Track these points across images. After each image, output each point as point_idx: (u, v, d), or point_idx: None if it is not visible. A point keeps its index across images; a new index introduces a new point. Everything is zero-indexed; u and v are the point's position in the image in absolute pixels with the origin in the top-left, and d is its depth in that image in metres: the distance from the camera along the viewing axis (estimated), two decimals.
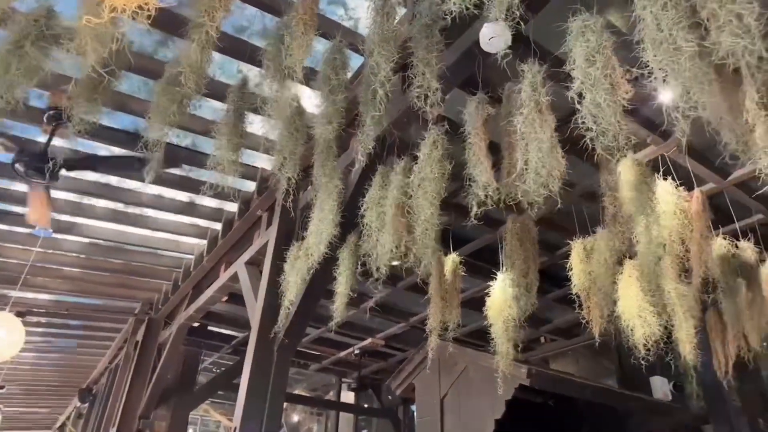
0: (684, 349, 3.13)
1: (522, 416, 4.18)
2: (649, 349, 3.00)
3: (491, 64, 2.37)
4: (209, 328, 6.80)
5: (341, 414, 8.57)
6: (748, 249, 3.09)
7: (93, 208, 4.92)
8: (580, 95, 1.96)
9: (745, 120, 1.93)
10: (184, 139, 4.29)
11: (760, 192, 3.50)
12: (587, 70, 1.92)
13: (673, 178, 2.82)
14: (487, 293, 3.22)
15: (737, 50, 1.49)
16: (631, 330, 3.05)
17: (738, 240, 3.14)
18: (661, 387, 4.19)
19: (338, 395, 8.72)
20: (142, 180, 3.45)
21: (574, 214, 3.67)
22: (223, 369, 8.06)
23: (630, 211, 2.73)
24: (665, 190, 2.75)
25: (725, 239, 3.09)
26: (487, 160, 2.25)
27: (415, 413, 4.22)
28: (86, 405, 9.22)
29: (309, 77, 2.72)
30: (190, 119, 3.81)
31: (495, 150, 2.49)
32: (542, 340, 5.82)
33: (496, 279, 3.26)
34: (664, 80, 1.72)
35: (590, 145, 1.97)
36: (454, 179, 2.62)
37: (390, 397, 7.45)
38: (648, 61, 1.70)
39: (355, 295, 5.21)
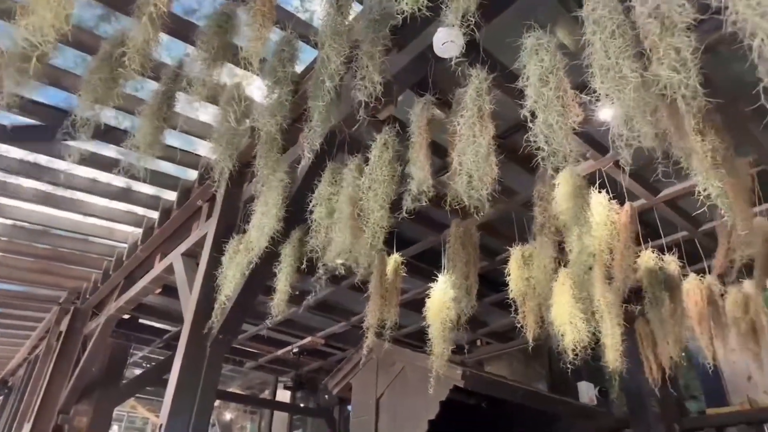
0: (610, 355, 3.28)
1: (455, 417, 4.26)
2: (577, 354, 3.12)
3: (444, 69, 2.40)
4: (140, 320, 6.51)
5: (276, 413, 8.43)
6: (672, 263, 3.28)
7: (19, 188, 4.59)
8: (533, 114, 2.02)
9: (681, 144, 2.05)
10: (123, 121, 4.08)
11: (695, 209, 3.73)
12: (541, 89, 1.97)
13: (607, 192, 2.95)
14: (428, 295, 3.26)
15: (674, 83, 1.57)
16: (562, 335, 3.17)
17: (664, 254, 3.33)
18: (587, 392, 4.38)
19: (274, 394, 8.57)
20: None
21: (515, 221, 3.77)
22: (153, 364, 7.74)
23: (565, 221, 2.83)
24: (598, 202, 2.87)
25: (653, 252, 3.26)
26: (425, 158, 2.28)
27: (350, 413, 4.20)
28: (0, 398, 8.61)
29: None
30: (131, 101, 3.63)
31: (443, 153, 2.52)
32: (479, 342, 5.95)
33: (437, 281, 3.30)
34: (611, 104, 1.79)
35: (534, 157, 2.03)
36: (402, 181, 2.63)
37: (327, 396, 7.40)
38: (594, 86, 1.77)
39: (296, 293, 5.15)
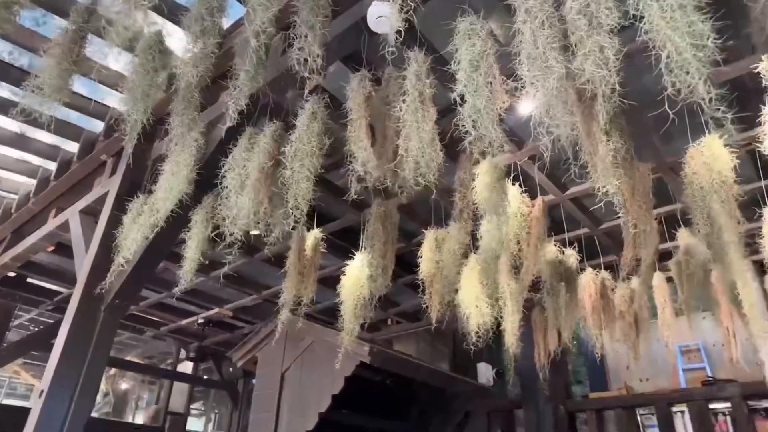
0: (509, 339, 3.46)
1: (359, 393, 4.32)
2: (480, 337, 3.27)
3: (376, 44, 2.36)
4: (29, 279, 5.96)
5: (176, 384, 8.13)
6: (572, 257, 3.50)
7: None
8: (462, 97, 2.04)
9: (589, 141, 2.17)
10: (20, 58, 3.65)
11: (593, 208, 3.99)
12: (471, 74, 1.99)
13: (520, 185, 3.08)
14: (343, 272, 3.25)
15: (596, 79, 1.64)
16: (467, 318, 3.30)
17: (566, 248, 3.54)
18: (485, 373, 4.62)
19: (175, 364, 8.25)
20: None
21: (432, 206, 3.84)
22: (41, 327, 7.16)
23: (482, 209, 2.92)
24: (512, 194, 2.99)
25: (555, 246, 3.46)
26: (367, 138, 2.24)
27: (254, 386, 4.14)
28: None
29: (178, 13, 2.46)
30: (31, 36, 3.25)
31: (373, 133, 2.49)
32: (389, 321, 6.07)
33: (353, 258, 3.30)
34: (535, 94, 1.84)
35: (457, 143, 2.06)
36: (328, 155, 2.57)
37: (231, 369, 7.25)
38: (521, 74, 1.81)
39: (206, 262, 4.95)
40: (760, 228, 2.85)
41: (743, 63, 2.40)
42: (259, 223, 2.62)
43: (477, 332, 3.29)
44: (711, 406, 5.96)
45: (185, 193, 2.57)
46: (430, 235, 3.35)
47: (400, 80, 2.19)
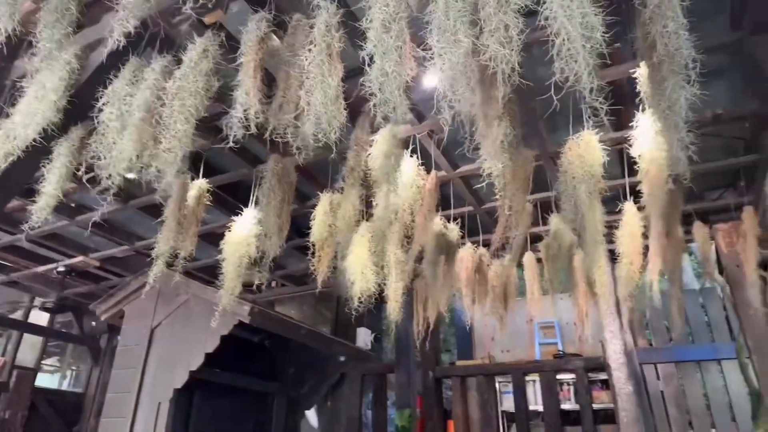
0: (390, 307, 3.57)
1: (236, 353, 4.23)
2: (362, 303, 3.33)
3: None
4: None
5: (27, 336, 7.34)
6: (454, 230, 3.68)
7: None
8: (371, 58, 1.99)
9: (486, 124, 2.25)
10: None
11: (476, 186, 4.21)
12: (382, 35, 1.95)
13: (417, 157, 3.15)
14: (229, 228, 3.11)
15: (498, 57, 1.69)
16: (352, 283, 3.34)
17: (449, 222, 3.71)
18: (364, 337, 4.75)
19: (27, 315, 7.43)
20: None
21: (330, 169, 3.80)
22: None
23: (377, 176, 2.94)
24: (409, 165, 3.04)
25: (441, 220, 3.61)
26: (255, 82, 2.11)
27: (119, 341, 3.86)
28: None
29: None
30: None
31: (270, 79, 2.36)
32: (273, 284, 5.98)
33: (241, 215, 3.16)
34: (441, 65, 1.86)
35: (361, 105, 2.03)
36: (219, 100, 2.40)
37: (94, 323, 6.70)
38: (430, 44, 1.81)
39: (72, 205, 4.46)
40: (619, 221, 3.21)
41: (623, 67, 2.63)
42: (143, 168, 2.40)
43: (360, 298, 3.36)
44: (558, 376, 6.69)
45: (51, 122, 2.26)
46: (325, 198, 3.31)
47: (309, 29, 2.09)
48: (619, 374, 4.33)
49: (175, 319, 3.62)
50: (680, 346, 5.47)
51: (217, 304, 3.16)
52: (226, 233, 3.07)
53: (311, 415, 4.77)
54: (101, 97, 2.29)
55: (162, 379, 3.40)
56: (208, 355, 3.39)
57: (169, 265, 3.12)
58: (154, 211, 3.38)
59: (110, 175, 2.30)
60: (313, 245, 3.24)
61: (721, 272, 4.24)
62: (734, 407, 5.11)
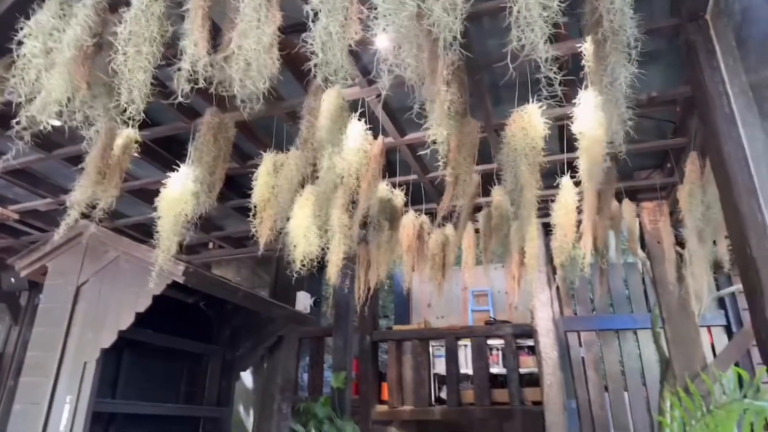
0: (331, 271, 3.57)
1: (170, 314, 4.11)
2: (304, 266, 3.31)
3: None
4: None
5: None
6: (399, 197, 3.70)
7: None
8: (315, 14, 1.92)
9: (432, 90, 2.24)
10: None
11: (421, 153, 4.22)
12: None
13: (365, 122, 3.11)
14: (164, 185, 2.96)
15: (442, 23, 1.67)
16: (295, 246, 3.30)
17: (395, 189, 3.72)
18: (304, 301, 4.74)
19: None
20: None
21: (275, 128, 3.69)
22: None
23: (322, 138, 2.88)
24: (356, 129, 3.00)
25: (387, 185, 3.61)
26: (203, 31, 1.99)
27: (41, 299, 3.64)
28: None
29: None
30: None
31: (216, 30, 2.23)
32: (210, 245, 5.81)
33: (177, 171, 3.02)
34: (384, 29, 1.82)
35: (308, 67, 1.96)
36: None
37: (13, 279, 6.27)
38: (376, 3, 1.76)
39: None
40: (555, 195, 3.33)
41: (569, 43, 2.69)
42: (76, 113, 2.23)
43: (302, 261, 3.33)
44: (489, 342, 7.00)
45: None
46: (268, 159, 3.22)
47: None
48: (546, 340, 4.59)
49: (103, 277, 3.45)
50: (602, 316, 5.86)
51: (150, 262, 3.04)
52: (162, 190, 2.93)
53: (247, 377, 4.75)
54: (23, 28, 2.08)
55: (88, 339, 3.25)
56: (138, 315, 3.26)
57: (85, 216, 2.94)
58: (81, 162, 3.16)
59: (33, 118, 2.12)
60: (254, 207, 3.16)
61: (643, 248, 4.54)
62: (645, 373, 5.56)
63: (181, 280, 3.20)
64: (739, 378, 1.38)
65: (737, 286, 5.17)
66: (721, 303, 5.54)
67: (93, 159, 2.76)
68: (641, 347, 5.57)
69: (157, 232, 2.97)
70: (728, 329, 5.35)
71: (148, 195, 3.84)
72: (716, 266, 5.31)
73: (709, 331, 5.41)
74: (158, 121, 3.84)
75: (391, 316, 10.44)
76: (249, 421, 4.50)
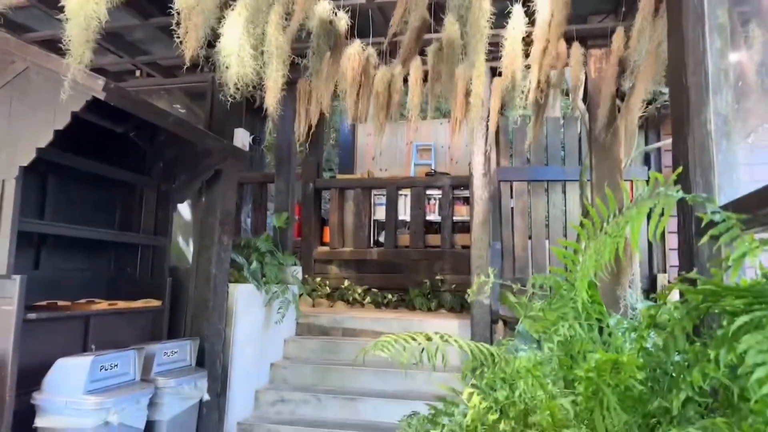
0: (269, 99, 3.39)
1: (100, 144, 3.88)
2: (238, 89, 3.11)
3: None
4: None
5: None
6: (343, 20, 3.43)
7: None
8: None
9: None
10: None
11: None
12: None
13: None
14: None
15: None
16: (227, 68, 3.07)
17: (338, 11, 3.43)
18: (242, 138, 4.59)
19: None
20: None
21: None
22: None
23: None
24: None
25: (329, 4, 3.31)
26: None
27: None
28: None
29: None
30: None
31: None
32: (138, 73, 5.36)
33: None
34: None
35: None
36: None
37: None
38: None
39: None
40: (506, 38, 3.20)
41: None
42: None
43: (236, 85, 3.12)
44: (428, 192, 7.24)
45: None
46: None
47: None
48: (478, 183, 4.76)
49: (11, 91, 3.12)
50: (535, 167, 6.10)
51: (64, 75, 2.76)
52: None
53: (184, 209, 4.72)
54: None
55: (3, 158, 3.03)
56: (58, 134, 3.04)
57: None
58: None
59: None
60: (179, 14, 2.84)
61: (585, 100, 4.58)
62: (568, 224, 6.00)
63: (101, 96, 2.94)
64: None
65: (664, 142, 5.46)
66: (646, 160, 5.88)
67: None
68: (567, 198, 5.93)
69: (69, 40, 2.66)
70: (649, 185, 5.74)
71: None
72: (647, 121, 5.52)
73: (632, 186, 5.81)
74: None
75: (336, 170, 10.49)
76: (189, 251, 4.58)
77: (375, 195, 7.36)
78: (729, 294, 1.27)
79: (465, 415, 1.80)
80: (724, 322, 1.25)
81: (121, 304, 3.65)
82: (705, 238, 1.38)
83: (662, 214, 1.37)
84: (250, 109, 4.82)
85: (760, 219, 1.57)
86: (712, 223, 1.40)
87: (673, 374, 1.49)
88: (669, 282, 5.58)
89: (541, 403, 1.54)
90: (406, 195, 7.31)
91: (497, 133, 5.71)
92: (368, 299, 6.33)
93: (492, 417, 1.69)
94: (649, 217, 1.56)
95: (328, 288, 6.47)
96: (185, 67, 3.92)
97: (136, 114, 3.26)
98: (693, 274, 1.46)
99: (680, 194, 1.36)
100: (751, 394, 1.13)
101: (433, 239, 6.72)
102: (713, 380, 1.32)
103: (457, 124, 4.00)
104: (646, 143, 5.67)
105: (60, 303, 3.32)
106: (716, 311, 1.38)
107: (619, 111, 4.31)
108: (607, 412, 1.40)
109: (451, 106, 4.12)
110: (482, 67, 3.21)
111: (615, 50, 3.51)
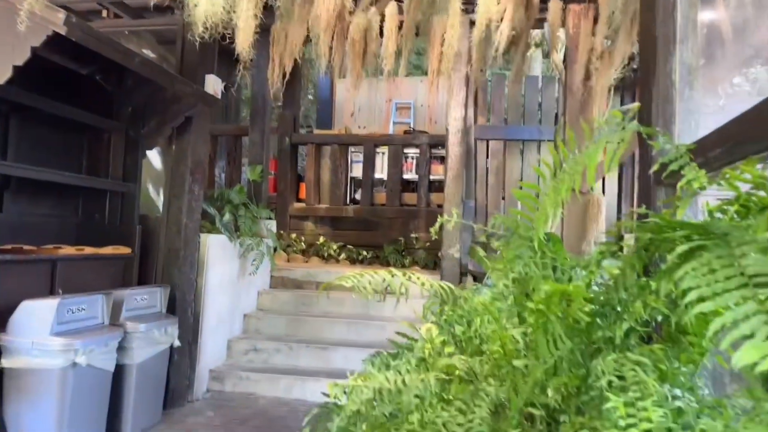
0: (241, 40, 3.31)
1: (65, 86, 3.74)
2: (207, 29, 3.02)
3: None
4: None
5: None
6: None
7: None
8: None
9: None
10: None
11: None
12: None
13: None
14: None
15: None
16: (195, 6, 2.97)
17: None
18: (214, 84, 4.48)
19: None
20: None
21: None
22: None
23: None
24: None
25: None
26: None
27: None
28: None
29: None
30: None
31: None
32: (104, 13, 5.13)
33: None
34: None
35: None
36: None
37: None
38: None
39: None
40: None
41: None
42: None
43: (204, 24, 3.03)
44: (405, 150, 7.22)
45: None
46: None
47: None
48: (454, 139, 4.76)
49: None
50: (511, 127, 6.12)
51: (21, 5, 2.64)
52: None
53: (154, 156, 4.64)
54: None
55: None
56: (22, 75, 2.92)
57: None
58: None
59: None
60: None
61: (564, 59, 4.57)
62: (541, 183, 6.06)
63: (62, 30, 2.82)
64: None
65: (638, 104, 5.50)
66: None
67: None
68: (542, 158, 5.98)
69: None
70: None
71: None
72: (623, 82, 5.54)
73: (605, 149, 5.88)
74: None
75: (314, 125, 10.35)
76: (159, 200, 4.52)
77: (352, 152, 7.32)
78: (673, 228, 1.31)
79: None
80: (668, 257, 1.30)
81: (89, 250, 3.61)
82: (656, 166, 1.43)
83: (619, 145, 1.40)
84: (224, 57, 4.68)
85: (711, 163, 1.62)
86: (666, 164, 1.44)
87: (620, 309, 1.56)
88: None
89: (494, 334, 1.60)
90: (383, 153, 7.27)
91: (476, 91, 5.68)
92: (343, 255, 6.38)
93: (448, 350, 1.76)
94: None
95: (303, 244, 6.50)
96: (152, 4, 3.80)
97: (100, 52, 3.14)
98: (643, 210, 1.51)
99: (636, 125, 1.39)
100: (687, 323, 1.19)
101: (410, 197, 6.75)
102: (654, 311, 1.39)
103: (435, 76, 3.97)
104: (622, 105, 5.71)
105: (26, 247, 3.27)
106: (664, 252, 1.44)
107: (597, 70, 4.31)
108: (553, 341, 1.46)
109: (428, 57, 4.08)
110: (457, 17, 3.17)
111: (594, 12, 3.48)
